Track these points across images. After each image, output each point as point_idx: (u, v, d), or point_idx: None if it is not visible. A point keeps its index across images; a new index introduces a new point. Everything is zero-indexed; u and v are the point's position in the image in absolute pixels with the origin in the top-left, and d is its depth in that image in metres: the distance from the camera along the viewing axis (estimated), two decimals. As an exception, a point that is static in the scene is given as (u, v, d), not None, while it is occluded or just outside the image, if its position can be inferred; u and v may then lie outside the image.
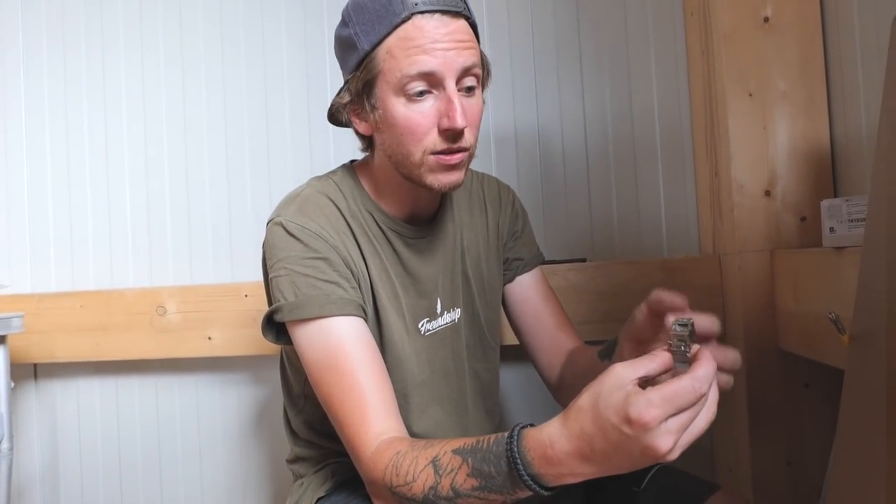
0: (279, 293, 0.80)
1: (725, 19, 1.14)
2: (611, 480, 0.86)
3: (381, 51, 0.75)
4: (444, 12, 0.74)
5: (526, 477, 0.61)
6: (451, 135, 0.75)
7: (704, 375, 0.53)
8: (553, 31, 1.36)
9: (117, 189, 1.46)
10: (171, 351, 1.35)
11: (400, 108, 0.76)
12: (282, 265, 0.80)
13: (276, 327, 0.84)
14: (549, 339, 0.98)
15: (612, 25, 1.34)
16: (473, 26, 0.79)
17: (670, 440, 0.53)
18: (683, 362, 0.55)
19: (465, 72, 0.75)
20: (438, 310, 0.91)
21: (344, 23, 0.80)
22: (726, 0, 1.14)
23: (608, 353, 0.83)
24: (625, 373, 0.56)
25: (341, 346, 0.77)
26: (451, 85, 0.74)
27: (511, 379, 1.35)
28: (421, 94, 0.75)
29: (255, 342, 1.33)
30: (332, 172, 0.90)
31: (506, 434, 0.64)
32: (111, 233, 1.46)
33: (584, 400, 0.58)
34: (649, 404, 0.53)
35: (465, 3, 0.78)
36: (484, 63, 0.81)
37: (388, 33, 0.74)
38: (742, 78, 1.13)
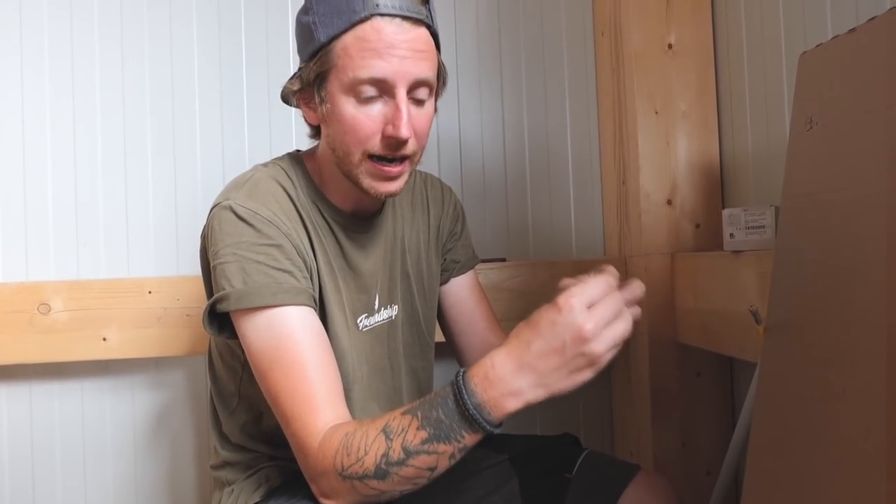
0: (225, 281, 0.75)
1: (635, 42, 1.25)
2: (543, 468, 0.92)
3: (337, 46, 0.74)
4: (405, 18, 0.73)
5: (471, 407, 0.63)
6: (394, 142, 0.75)
7: (610, 272, 0.65)
8: (475, 43, 1.40)
9: (-14, 170, 1.28)
10: (57, 354, 1.20)
11: (348, 108, 0.75)
12: (230, 251, 0.76)
13: (218, 319, 0.79)
14: (480, 340, 1.01)
15: (530, 40, 1.42)
16: (434, 35, 0.79)
17: (592, 321, 0.61)
18: None
19: (419, 83, 0.76)
20: (376, 305, 0.90)
21: (305, 9, 0.78)
22: (635, 24, 1.25)
23: None
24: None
25: (292, 336, 0.74)
26: (401, 93, 0.74)
27: (445, 375, 1.36)
28: (371, 97, 0.75)
29: (159, 343, 1.22)
30: (279, 159, 0.87)
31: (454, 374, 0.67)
32: (-23, 220, 1.27)
33: (522, 322, 0.65)
34: (569, 294, 0.62)
35: (430, 11, 0.77)
36: (440, 73, 0.81)
37: (346, 30, 0.73)
38: (650, 97, 1.24)
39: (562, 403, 1.42)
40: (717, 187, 1.26)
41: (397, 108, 0.74)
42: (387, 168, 0.77)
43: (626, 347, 1.32)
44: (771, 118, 1.10)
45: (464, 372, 0.65)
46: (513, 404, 0.63)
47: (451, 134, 1.40)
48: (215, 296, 0.77)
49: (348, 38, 0.73)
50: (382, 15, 0.72)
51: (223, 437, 0.93)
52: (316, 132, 0.85)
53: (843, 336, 0.65)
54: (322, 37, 0.75)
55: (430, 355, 1.00)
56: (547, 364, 0.62)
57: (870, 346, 0.61)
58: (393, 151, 0.76)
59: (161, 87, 1.32)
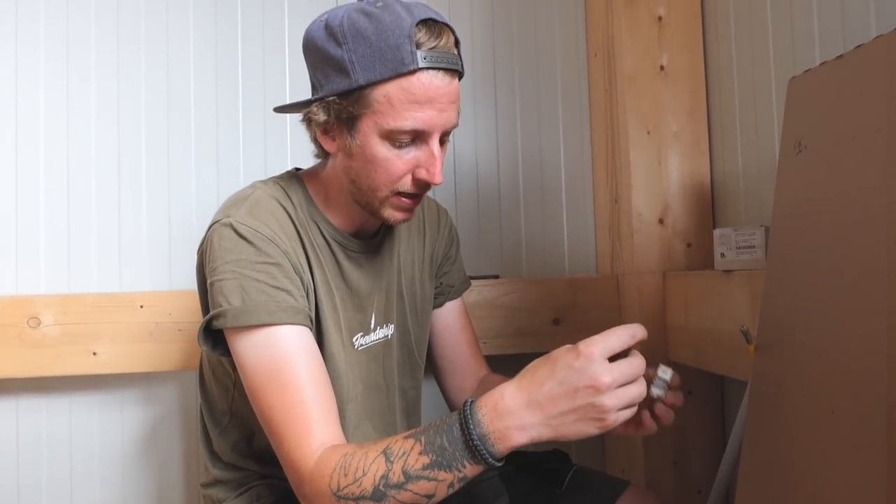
0: (222, 298, 0.75)
1: (628, 64, 1.27)
2: (533, 484, 0.92)
3: (378, 92, 0.74)
4: (446, 70, 0.75)
5: (475, 437, 0.62)
6: (424, 184, 0.79)
7: (637, 328, 0.65)
8: (469, 61, 1.42)
9: (-21, 182, 1.27)
10: (46, 368, 1.19)
11: (382, 150, 0.76)
12: (229, 268, 0.76)
13: (213, 336, 0.79)
14: (462, 365, 1.02)
15: (524, 59, 1.44)
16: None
17: (610, 375, 0.60)
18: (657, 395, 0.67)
19: (448, 131, 0.79)
20: (372, 325, 0.91)
21: (336, 40, 0.75)
22: (628, 46, 1.27)
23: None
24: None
25: (288, 356, 0.74)
26: (435, 141, 0.77)
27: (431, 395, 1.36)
28: (405, 142, 0.76)
29: (150, 358, 1.21)
30: (278, 177, 0.87)
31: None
32: (-33, 232, 1.26)
33: (538, 359, 0.65)
34: (591, 342, 0.62)
35: (460, 57, 0.79)
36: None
37: (390, 78, 0.73)
38: (642, 117, 1.26)
39: (554, 421, 1.41)
40: (708, 207, 1.27)
41: (432, 155, 0.77)
42: (412, 202, 0.80)
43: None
44: (761, 140, 1.12)
45: (472, 401, 0.65)
46: (518, 438, 0.63)
47: (447, 154, 1.41)
48: (212, 312, 0.76)
49: (391, 88, 0.73)
50: (429, 69, 0.73)
51: (214, 454, 0.92)
52: (324, 154, 0.85)
53: (834, 356, 0.66)
54: (361, 79, 0.74)
55: (420, 375, 1.00)
56: (556, 406, 0.62)
57: (861, 366, 0.62)
58: (422, 191, 0.80)
59: (156, 101, 1.32)
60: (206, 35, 1.35)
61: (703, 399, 1.24)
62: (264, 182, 0.86)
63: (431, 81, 0.73)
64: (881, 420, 0.58)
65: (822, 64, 0.77)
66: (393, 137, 0.75)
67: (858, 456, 0.60)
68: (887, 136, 0.65)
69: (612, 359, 0.62)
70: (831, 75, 0.75)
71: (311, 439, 0.71)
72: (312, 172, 0.89)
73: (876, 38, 0.69)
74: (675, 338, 1.22)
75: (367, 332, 0.90)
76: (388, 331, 0.93)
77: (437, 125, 0.76)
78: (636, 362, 0.63)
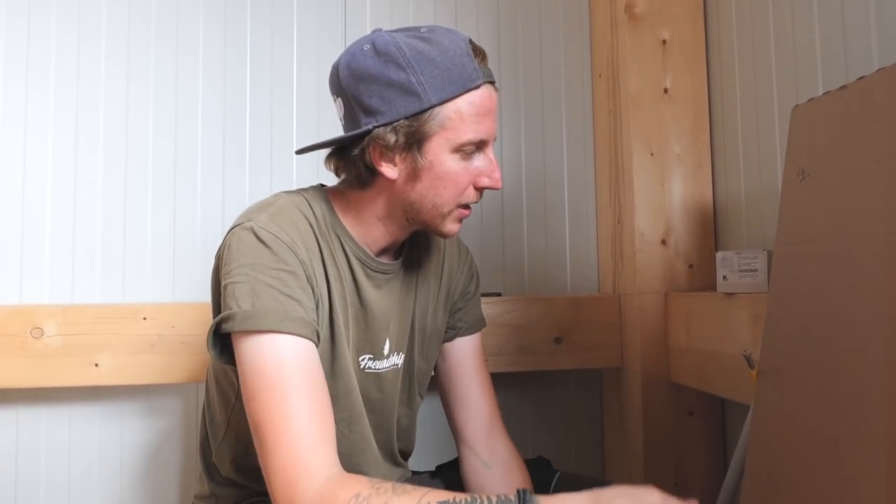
0: (233, 301, 0.74)
1: (632, 86, 1.29)
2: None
3: (449, 109, 0.77)
4: (492, 83, 0.81)
5: None
6: (484, 192, 0.84)
7: None
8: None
9: (-14, 192, 1.28)
10: (48, 379, 1.19)
11: (453, 164, 0.79)
12: (244, 271, 0.75)
13: (220, 341, 0.78)
14: (475, 407, 0.97)
15: (529, 79, 1.45)
16: None
17: None
18: None
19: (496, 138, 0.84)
20: (386, 351, 0.89)
21: (397, 65, 0.77)
22: (633, 68, 1.29)
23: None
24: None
25: (291, 367, 0.73)
26: (491, 150, 0.82)
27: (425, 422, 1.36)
28: (471, 153, 0.81)
29: (152, 370, 1.22)
30: (303, 190, 0.88)
31: (516, 491, 0.66)
32: (-27, 241, 1.27)
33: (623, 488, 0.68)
34: (667, 498, 0.66)
35: None
36: None
37: (460, 94, 0.77)
38: (646, 139, 1.28)
39: (553, 439, 1.42)
40: (710, 229, 1.28)
41: (492, 163, 0.82)
42: (467, 212, 0.85)
43: (620, 386, 1.33)
44: (763, 164, 1.13)
45: (530, 491, 0.67)
46: None
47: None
48: (221, 315, 0.76)
49: (461, 103, 0.77)
50: (487, 82, 0.79)
51: (212, 467, 0.92)
52: (365, 182, 0.83)
53: (836, 385, 0.67)
54: (433, 98, 0.76)
55: (416, 408, 0.98)
56: None
57: (864, 393, 0.62)
58: (479, 199, 0.84)
59: (164, 116, 1.34)
60: (215, 52, 1.36)
61: (703, 421, 1.24)
62: (289, 192, 0.86)
63: (491, 94, 0.80)
64: (882, 449, 0.58)
65: (825, 93, 0.79)
66: (463, 150, 0.79)
67: (860, 485, 0.60)
68: (888, 167, 0.66)
69: None
70: (834, 105, 0.76)
71: (308, 457, 0.69)
72: (339, 191, 0.88)
73: (878, 70, 0.70)
74: (676, 359, 1.22)
75: (378, 356, 0.88)
76: (399, 359, 0.92)
77: (493, 133, 0.81)
78: None
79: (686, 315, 1.19)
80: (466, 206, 0.84)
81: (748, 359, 0.79)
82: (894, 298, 0.61)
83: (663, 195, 1.27)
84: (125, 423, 1.31)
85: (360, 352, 0.87)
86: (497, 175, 0.82)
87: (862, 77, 0.73)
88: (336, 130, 0.83)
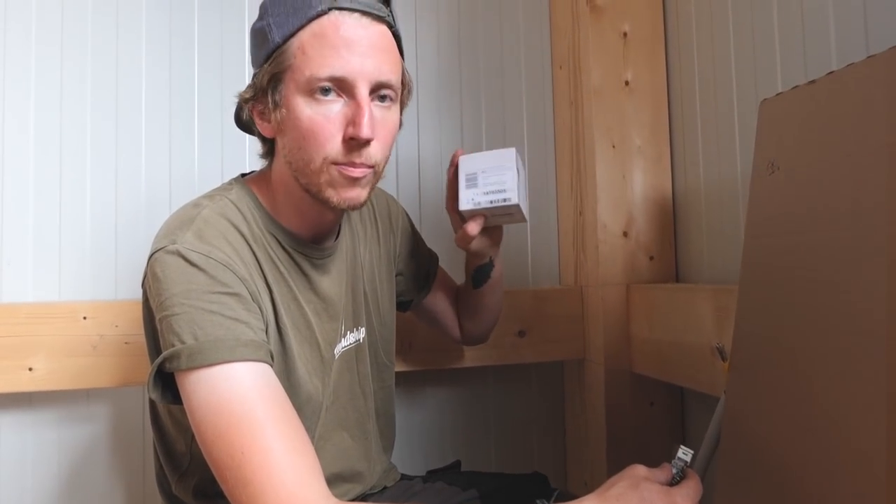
0: (173, 336, 0.66)
1: (594, 78, 1.28)
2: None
3: (293, 45, 0.70)
4: (364, 13, 0.70)
5: None
6: (356, 145, 0.70)
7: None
8: (435, 70, 1.40)
9: None
10: (-26, 385, 1.09)
11: (305, 109, 0.70)
12: (178, 300, 0.67)
13: (162, 379, 0.69)
14: (454, 316, 1.11)
15: (490, 67, 1.43)
16: (397, 37, 0.75)
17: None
18: (677, 479, 0.70)
19: (381, 85, 0.72)
20: (342, 330, 0.86)
21: (260, 16, 0.75)
22: (595, 61, 1.28)
23: (480, 282, 1.00)
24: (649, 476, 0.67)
25: (253, 395, 0.65)
26: (362, 92, 0.70)
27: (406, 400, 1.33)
28: (329, 98, 0.70)
29: (94, 373, 1.13)
30: (226, 190, 0.79)
31: None
32: None
33: (618, 477, 0.66)
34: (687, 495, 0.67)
35: (392, 12, 0.74)
36: (404, 79, 0.78)
37: (303, 26, 0.70)
38: (608, 131, 1.28)
39: (515, 432, 1.41)
40: (670, 221, 1.30)
41: (359, 107, 0.69)
42: (350, 169, 0.71)
43: (581, 375, 1.33)
44: (722, 156, 1.15)
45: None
46: None
47: (411, 154, 1.38)
48: (163, 354, 0.67)
49: (305, 35, 0.70)
50: (341, 9, 0.69)
51: (174, 499, 0.85)
52: (268, 150, 0.80)
53: (810, 377, 0.68)
54: (277, 37, 0.71)
55: (389, 376, 0.96)
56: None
57: (838, 388, 0.63)
58: (356, 157, 0.71)
59: (104, 98, 1.24)
60: (160, 29, 1.27)
61: (664, 410, 1.26)
62: (210, 198, 0.77)
63: (344, 21, 0.69)
64: (859, 442, 0.60)
65: (794, 87, 0.79)
66: (313, 91, 0.69)
67: (836, 481, 0.61)
68: (857, 161, 0.67)
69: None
70: (804, 99, 0.77)
71: (303, 495, 0.62)
72: (260, 177, 0.82)
73: (848, 65, 0.71)
74: (638, 349, 1.23)
75: (347, 337, 0.86)
76: (360, 334, 0.89)
77: (358, 73, 0.69)
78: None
79: (648, 306, 1.20)
80: (349, 164, 0.71)
81: (720, 351, 0.80)
82: (863, 291, 0.62)
83: (625, 187, 1.28)
84: (62, 432, 1.22)
85: (332, 344, 0.84)
86: (360, 120, 0.68)
87: (831, 72, 0.74)
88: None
